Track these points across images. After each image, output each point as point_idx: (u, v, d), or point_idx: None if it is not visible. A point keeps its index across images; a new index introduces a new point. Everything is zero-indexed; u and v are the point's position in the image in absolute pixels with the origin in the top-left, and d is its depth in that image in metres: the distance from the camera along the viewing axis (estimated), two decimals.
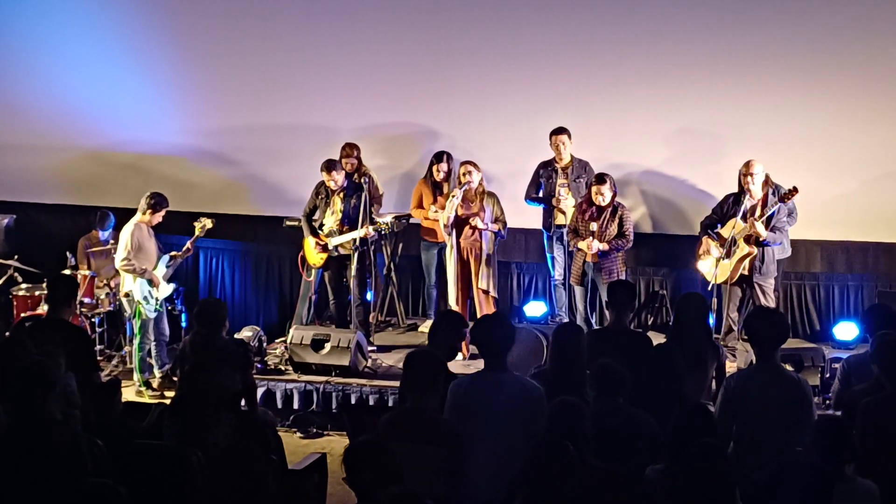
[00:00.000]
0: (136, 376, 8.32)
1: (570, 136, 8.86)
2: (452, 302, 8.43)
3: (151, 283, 8.28)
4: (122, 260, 8.24)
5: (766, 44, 8.84)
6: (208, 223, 8.59)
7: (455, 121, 9.54)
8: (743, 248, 7.99)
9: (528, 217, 9.20)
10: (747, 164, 8.10)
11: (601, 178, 8.27)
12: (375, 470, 3.97)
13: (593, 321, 8.50)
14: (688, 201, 9.20)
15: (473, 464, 4.83)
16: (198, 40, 9.92)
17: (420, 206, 9.13)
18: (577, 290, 8.46)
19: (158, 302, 8.37)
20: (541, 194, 9.02)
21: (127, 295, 8.34)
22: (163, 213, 8.41)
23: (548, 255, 9.19)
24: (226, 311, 6.53)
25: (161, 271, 8.40)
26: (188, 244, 8.60)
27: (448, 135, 9.53)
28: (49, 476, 4.25)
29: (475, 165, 8.39)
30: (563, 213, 8.76)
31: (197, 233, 8.57)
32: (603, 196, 8.20)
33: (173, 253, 8.59)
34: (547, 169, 8.99)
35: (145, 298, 8.26)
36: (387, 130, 9.72)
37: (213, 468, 3.89)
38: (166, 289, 8.46)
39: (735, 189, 8.32)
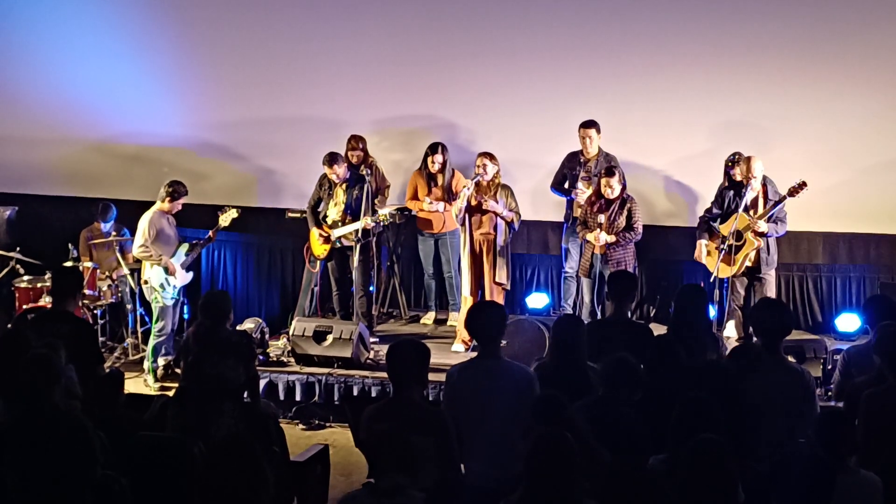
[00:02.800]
0: (146, 364, 8.34)
1: (598, 130, 8.75)
2: (467, 293, 8.41)
3: (168, 270, 8.29)
4: (138, 247, 8.29)
5: (770, 36, 8.80)
6: (234, 213, 8.61)
7: (462, 112, 9.49)
8: (751, 242, 7.93)
9: (532, 209, 9.19)
10: (748, 164, 7.99)
11: (610, 171, 8.24)
12: (391, 458, 4.15)
13: (600, 313, 8.48)
14: (692, 193, 9.18)
15: (469, 450, 4.85)
16: (202, 32, 9.88)
17: (415, 197, 9.11)
18: (585, 282, 8.44)
19: (176, 290, 8.39)
20: (566, 185, 9.00)
21: (146, 282, 8.38)
22: (182, 201, 8.43)
23: (562, 246, 9.18)
24: (230, 303, 6.55)
25: (179, 259, 8.41)
26: (210, 233, 8.65)
27: (457, 126, 9.50)
28: (59, 468, 4.24)
29: (491, 157, 8.27)
30: (581, 205, 8.74)
31: (220, 222, 8.58)
32: (612, 188, 8.17)
33: (194, 241, 8.60)
34: (572, 161, 8.95)
35: (162, 286, 8.28)
36: (392, 123, 9.69)
37: (213, 457, 3.92)
38: (184, 277, 8.48)
39: (720, 179, 8.36)
